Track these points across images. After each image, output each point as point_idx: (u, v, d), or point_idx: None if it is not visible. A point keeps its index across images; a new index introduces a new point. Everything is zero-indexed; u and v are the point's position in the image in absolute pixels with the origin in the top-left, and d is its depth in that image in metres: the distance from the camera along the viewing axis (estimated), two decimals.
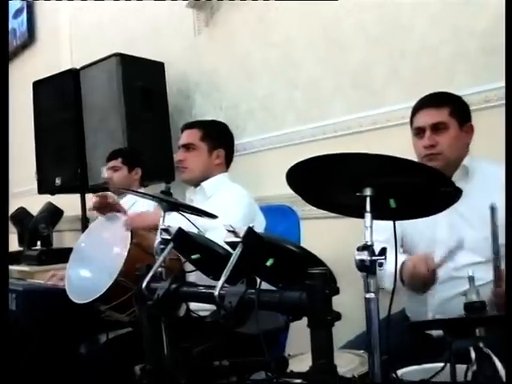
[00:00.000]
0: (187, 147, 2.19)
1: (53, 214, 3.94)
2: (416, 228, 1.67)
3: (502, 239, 1.58)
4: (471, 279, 0.98)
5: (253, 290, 1.05)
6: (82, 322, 2.15)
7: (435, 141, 1.67)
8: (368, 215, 0.93)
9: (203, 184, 2.16)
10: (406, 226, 1.72)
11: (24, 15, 4.89)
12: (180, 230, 1.28)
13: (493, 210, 1.32)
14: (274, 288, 1.12)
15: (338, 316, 0.92)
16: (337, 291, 0.94)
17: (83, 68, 3.30)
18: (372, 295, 0.89)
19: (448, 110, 1.68)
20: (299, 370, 1.05)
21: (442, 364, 1.01)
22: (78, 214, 3.59)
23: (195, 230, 1.45)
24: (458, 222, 1.65)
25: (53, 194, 3.64)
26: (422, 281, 1.54)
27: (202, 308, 1.54)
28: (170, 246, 1.28)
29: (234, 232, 1.07)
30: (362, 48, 2.44)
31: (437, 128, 1.67)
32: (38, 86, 3.61)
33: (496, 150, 1.87)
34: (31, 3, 4.86)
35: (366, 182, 0.94)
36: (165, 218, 1.41)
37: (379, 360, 0.88)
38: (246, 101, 2.97)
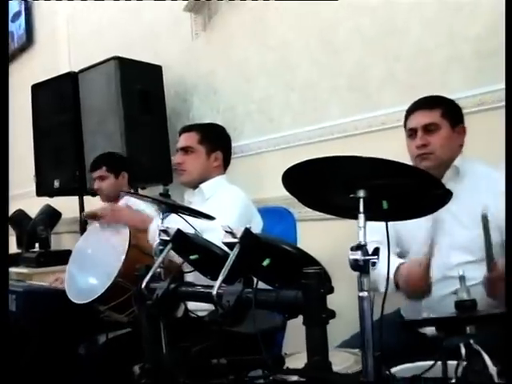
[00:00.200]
0: (185, 150, 2.20)
1: (51, 217, 3.96)
2: (410, 228, 1.70)
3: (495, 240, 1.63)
4: (462, 278, 1.01)
5: (250, 290, 1.07)
6: (82, 323, 2.17)
7: (427, 141, 1.70)
8: (361, 216, 0.96)
9: (201, 186, 2.18)
10: (401, 226, 1.75)
11: (22, 18, 4.90)
12: (179, 231, 1.30)
13: (485, 219, 1.35)
14: (270, 287, 1.14)
15: (332, 314, 0.95)
16: (331, 290, 0.97)
17: (82, 71, 3.32)
18: (365, 294, 0.92)
19: (440, 111, 1.72)
20: (295, 368, 1.07)
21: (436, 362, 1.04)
22: (76, 216, 3.60)
23: (193, 232, 1.48)
24: (450, 221, 1.68)
25: (51, 196, 3.65)
26: (417, 289, 1.58)
27: (200, 308, 1.57)
28: (169, 246, 1.31)
29: (231, 233, 1.10)
30: (358, 51, 2.46)
31: (429, 129, 1.71)
32: (36, 88, 3.63)
33: (490, 152, 1.90)
34: (29, 6, 4.88)
35: (360, 184, 0.96)
36: (164, 219, 1.43)
37: (372, 356, 0.91)
38: (243, 103, 2.99)
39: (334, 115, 2.57)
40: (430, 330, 1.40)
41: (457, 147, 1.75)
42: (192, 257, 1.31)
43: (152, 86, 3.21)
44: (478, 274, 1.47)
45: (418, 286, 1.57)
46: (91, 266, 2.06)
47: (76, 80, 3.34)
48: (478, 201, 1.65)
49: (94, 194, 3.19)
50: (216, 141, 2.25)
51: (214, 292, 1.08)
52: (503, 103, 2.00)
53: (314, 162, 0.99)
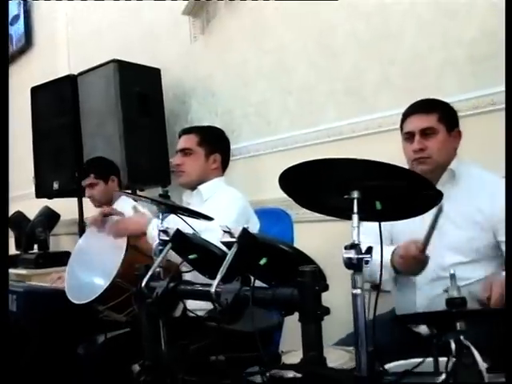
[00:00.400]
0: (185, 152, 2.23)
1: (50, 218, 3.98)
2: (405, 229, 1.73)
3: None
4: (453, 276, 1.04)
5: (247, 288, 1.10)
6: (81, 323, 2.19)
7: (424, 145, 1.73)
8: (355, 216, 0.99)
9: (200, 187, 2.21)
10: (396, 227, 1.78)
11: (21, 21, 4.92)
12: (178, 231, 1.33)
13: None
14: (267, 286, 1.17)
15: (327, 311, 0.98)
16: (326, 288, 1.00)
17: (81, 74, 3.35)
18: (358, 291, 0.95)
19: (437, 115, 1.74)
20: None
21: (429, 358, 1.07)
22: (75, 217, 3.62)
23: (191, 232, 1.51)
24: (444, 223, 1.71)
25: (50, 198, 3.67)
26: (414, 262, 1.61)
27: (198, 308, 1.60)
28: (169, 246, 1.34)
29: (229, 232, 1.13)
30: (354, 55, 2.50)
31: (426, 133, 1.73)
32: (36, 91, 3.65)
33: (484, 155, 1.94)
34: (28, 8, 4.90)
35: (353, 185, 1.00)
36: (163, 220, 1.46)
37: (365, 351, 0.94)
38: (241, 106, 3.02)
39: (330, 118, 2.60)
40: (423, 329, 1.43)
41: (452, 151, 1.78)
42: (191, 256, 1.34)
43: (151, 89, 3.24)
44: (470, 274, 1.50)
45: (414, 254, 1.59)
46: (90, 267, 2.09)
47: (75, 83, 3.36)
48: (473, 203, 1.69)
49: None
50: (215, 143, 2.28)
51: (213, 290, 1.11)
52: (497, 106, 2.05)
53: (309, 163, 1.02)
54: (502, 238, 1.65)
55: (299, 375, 1.05)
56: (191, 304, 1.61)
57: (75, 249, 2.25)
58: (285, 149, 2.78)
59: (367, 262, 0.95)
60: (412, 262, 1.62)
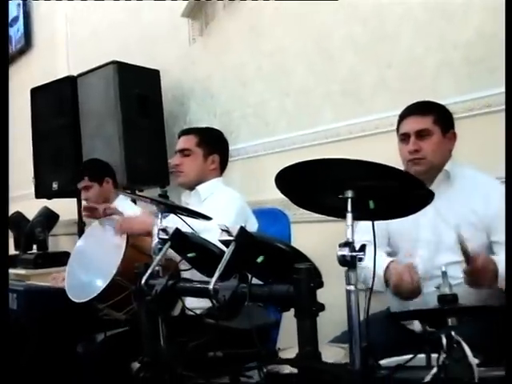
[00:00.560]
0: (184, 152, 2.26)
1: (49, 219, 3.99)
2: (401, 229, 1.76)
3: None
4: (444, 274, 1.07)
5: (245, 285, 1.13)
6: (80, 322, 2.21)
7: (419, 146, 1.76)
8: (349, 215, 1.02)
9: (198, 188, 2.23)
10: (392, 227, 1.81)
11: (20, 23, 4.94)
12: (177, 230, 1.36)
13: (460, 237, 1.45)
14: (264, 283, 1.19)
15: (322, 307, 1.01)
16: (321, 284, 1.03)
17: (80, 75, 3.36)
18: (352, 287, 0.98)
19: (432, 117, 1.77)
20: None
21: (421, 355, 1.10)
22: (74, 218, 3.63)
23: (190, 231, 1.53)
24: (439, 223, 1.74)
25: (50, 198, 3.69)
26: (408, 291, 1.63)
27: (196, 307, 1.62)
28: (168, 244, 1.36)
29: (227, 231, 1.16)
30: (352, 58, 2.52)
31: (421, 134, 1.76)
32: (35, 92, 3.67)
33: (478, 157, 1.97)
34: (28, 9, 4.91)
35: (348, 185, 1.02)
36: (162, 219, 1.49)
37: (359, 346, 0.97)
38: (239, 108, 3.04)
39: (327, 120, 2.63)
40: (417, 327, 1.46)
41: (447, 152, 1.81)
42: (190, 254, 1.37)
43: (150, 90, 3.26)
44: (462, 273, 1.53)
45: (409, 286, 1.62)
46: (90, 265, 2.11)
47: (75, 84, 3.38)
48: (467, 203, 1.72)
49: None
50: (213, 144, 2.31)
51: (211, 287, 1.14)
52: (492, 109, 2.08)
53: (304, 164, 1.05)
54: (495, 238, 1.68)
55: (295, 370, 1.08)
56: (189, 303, 1.64)
57: (75, 249, 2.27)
58: (282, 150, 2.80)
59: (361, 260, 0.98)
60: (405, 290, 1.64)
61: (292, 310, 1.06)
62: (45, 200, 3.77)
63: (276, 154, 2.84)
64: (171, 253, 1.44)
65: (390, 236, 1.86)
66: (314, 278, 1.02)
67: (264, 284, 1.15)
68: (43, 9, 4.73)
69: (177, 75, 3.38)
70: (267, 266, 1.16)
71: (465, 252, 1.46)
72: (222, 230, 1.17)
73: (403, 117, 1.84)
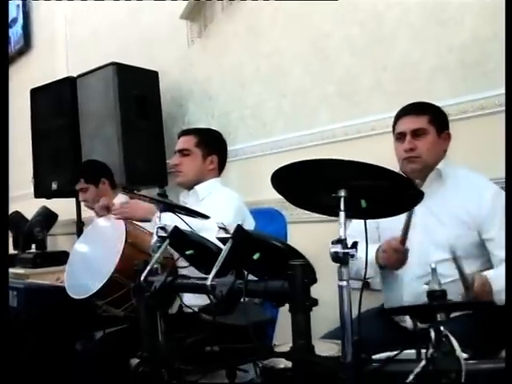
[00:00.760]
0: (183, 152, 2.29)
1: (47, 218, 4.01)
2: (391, 227, 1.79)
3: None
4: (433, 270, 1.10)
5: (241, 281, 1.17)
6: (79, 319, 2.24)
7: (414, 145, 1.80)
8: (342, 214, 1.05)
9: (196, 187, 2.27)
10: (382, 225, 1.85)
11: (19, 24, 4.96)
12: (176, 227, 1.39)
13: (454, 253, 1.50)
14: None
15: (315, 302, 1.05)
16: (314, 280, 1.06)
17: (80, 76, 3.39)
18: (344, 283, 1.01)
19: (427, 117, 1.81)
20: None
21: (412, 351, 1.13)
22: (73, 218, 3.66)
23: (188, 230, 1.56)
24: (431, 221, 1.78)
25: (49, 198, 3.72)
26: (395, 254, 1.72)
27: (193, 304, 1.65)
28: (167, 242, 1.40)
29: (224, 229, 1.19)
30: (348, 60, 2.55)
31: (416, 134, 1.80)
32: (35, 93, 3.70)
33: (472, 158, 2.01)
34: (27, 10, 4.93)
35: (341, 185, 1.06)
36: (161, 217, 1.52)
37: (350, 339, 1.00)
38: (237, 109, 3.07)
39: (324, 121, 2.66)
40: (409, 323, 1.50)
41: (441, 152, 1.85)
42: (188, 252, 1.40)
43: (148, 92, 3.29)
44: (455, 271, 1.56)
45: (395, 252, 1.71)
46: (89, 263, 2.13)
47: (74, 85, 3.41)
48: (459, 202, 1.76)
49: None
50: (212, 145, 2.34)
51: (208, 283, 1.17)
52: (486, 111, 2.12)
53: (299, 164, 1.09)
54: (487, 235, 1.72)
55: (290, 364, 1.11)
56: (187, 300, 1.67)
57: (74, 246, 2.29)
58: (279, 151, 2.83)
59: (353, 256, 1.01)
60: (393, 255, 1.72)
61: (287, 306, 1.10)
62: (44, 200, 3.79)
63: (273, 155, 2.86)
64: (170, 250, 1.48)
65: (381, 233, 1.89)
66: (308, 274, 1.05)
67: (260, 280, 1.19)
68: (43, 10, 4.75)
69: (175, 77, 3.41)
70: (263, 263, 1.19)
71: (462, 276, 1.52)
72: (220, 228, 1.20)
73: (399, 116, 1.87)
